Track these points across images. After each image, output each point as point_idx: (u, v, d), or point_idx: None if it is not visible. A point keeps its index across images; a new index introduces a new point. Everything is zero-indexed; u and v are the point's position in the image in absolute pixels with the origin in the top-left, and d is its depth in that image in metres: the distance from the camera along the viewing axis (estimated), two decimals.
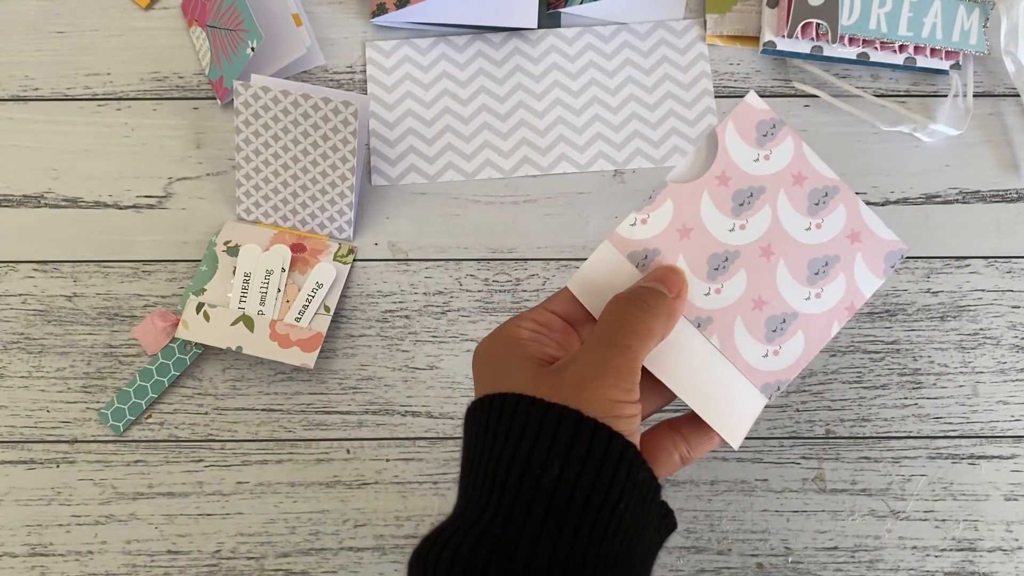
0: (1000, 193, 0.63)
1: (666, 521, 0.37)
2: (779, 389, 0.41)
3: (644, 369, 0.38)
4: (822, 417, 0.61)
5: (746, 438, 0.60)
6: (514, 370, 0.36)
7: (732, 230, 0.41)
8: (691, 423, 0.40)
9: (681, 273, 0.39)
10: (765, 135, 0.41)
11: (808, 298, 0.41)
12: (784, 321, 0.41)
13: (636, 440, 0.35)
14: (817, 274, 0.41)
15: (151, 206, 0.63)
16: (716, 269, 0.40)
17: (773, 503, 0.60)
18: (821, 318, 0.41)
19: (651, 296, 0.38)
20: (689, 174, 0.41)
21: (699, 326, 0.40)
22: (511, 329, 0.38)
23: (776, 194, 0.41)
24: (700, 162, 0.41)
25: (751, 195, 0.41)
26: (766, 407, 0.60)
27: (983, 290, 0.62)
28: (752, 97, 0.41)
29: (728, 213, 0.41)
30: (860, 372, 0.61)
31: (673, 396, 0.40)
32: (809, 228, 0.41)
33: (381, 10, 0.63)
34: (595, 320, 0.39)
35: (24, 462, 0.60)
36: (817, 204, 0.41)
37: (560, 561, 0.32)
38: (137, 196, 0.63)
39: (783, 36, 0.63)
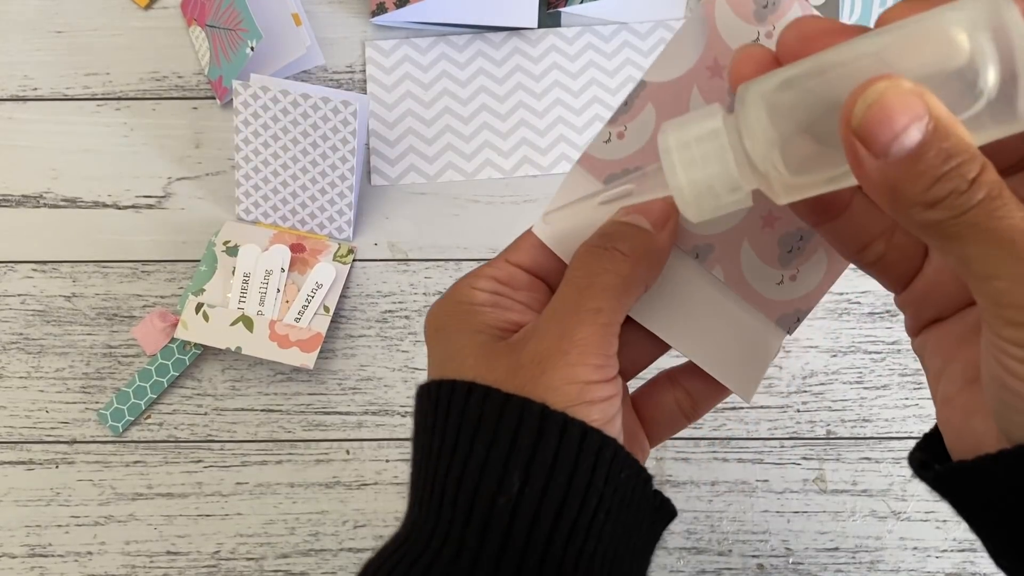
0: None
1: (661, 512, 0.31)
2: (798, 320, 0.33)
3: (628, 318, 0.31)
4: (823, 418, 0.60)
5: (746, 438, 0.60)
6: (465, 347, 0.29)
7: None
8: (693, 373, 0.33)
9: (668, 197, 0.27)
10: (765, 6, 0.31)
11: None
12: (801, 239, 0.33)
13: (615, 427, 0.28)
14: None
15: (150, 206, 0.63)
16: None
17: (774, 504, 0.60)
18: None
19: (627, 237, 0.29)
20: (673, 68, 0.31)
21: (697, 257, 0.32)
22: (464, 291, 0.30)
23: None
24: (685, 51, 0.31)
25: None
26: (765, 400, 0.59)
27: None
28: None
29: None
30: (861, 372, 0.61)
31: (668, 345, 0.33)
32: None
33: (381, 10, 0.63)
34: None
35: (23, 463, 0.60)
36: None
37: None
38: (136, 196, 0.63)
39: None
